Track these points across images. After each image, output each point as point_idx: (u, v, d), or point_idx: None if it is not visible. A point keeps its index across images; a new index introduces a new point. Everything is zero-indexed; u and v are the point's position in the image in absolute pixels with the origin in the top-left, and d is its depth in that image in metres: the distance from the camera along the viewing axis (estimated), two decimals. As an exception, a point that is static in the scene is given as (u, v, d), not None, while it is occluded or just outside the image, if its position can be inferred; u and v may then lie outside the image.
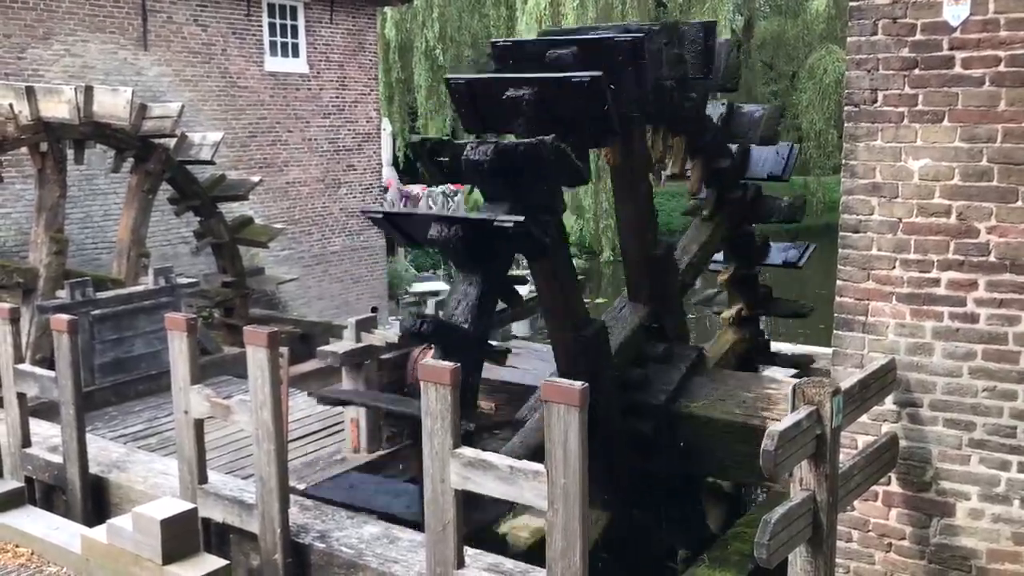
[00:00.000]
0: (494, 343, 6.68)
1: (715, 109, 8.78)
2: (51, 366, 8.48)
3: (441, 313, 6.41)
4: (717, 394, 7.84)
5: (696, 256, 8.72)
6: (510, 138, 6.53)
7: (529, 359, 9.66)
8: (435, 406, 5.24)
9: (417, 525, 6.00)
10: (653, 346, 7.95)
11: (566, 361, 7.12)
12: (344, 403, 7.59)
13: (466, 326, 6.16)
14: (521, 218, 5.80)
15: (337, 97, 18.96)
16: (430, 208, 27.87)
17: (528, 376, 8.81)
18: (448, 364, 5.23)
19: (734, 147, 8.81)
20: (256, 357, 6.26)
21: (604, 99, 6.24)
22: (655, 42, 7.03)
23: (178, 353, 6.74)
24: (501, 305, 6.80)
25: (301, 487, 7.57)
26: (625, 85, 6.69)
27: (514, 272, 6.85)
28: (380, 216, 6.67)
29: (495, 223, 5.87)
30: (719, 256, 9.42)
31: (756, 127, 8.70)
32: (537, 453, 5.96)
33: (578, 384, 4.78)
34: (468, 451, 5.25)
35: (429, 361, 5.40)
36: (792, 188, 22.24)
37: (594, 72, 6.22)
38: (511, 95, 6.32)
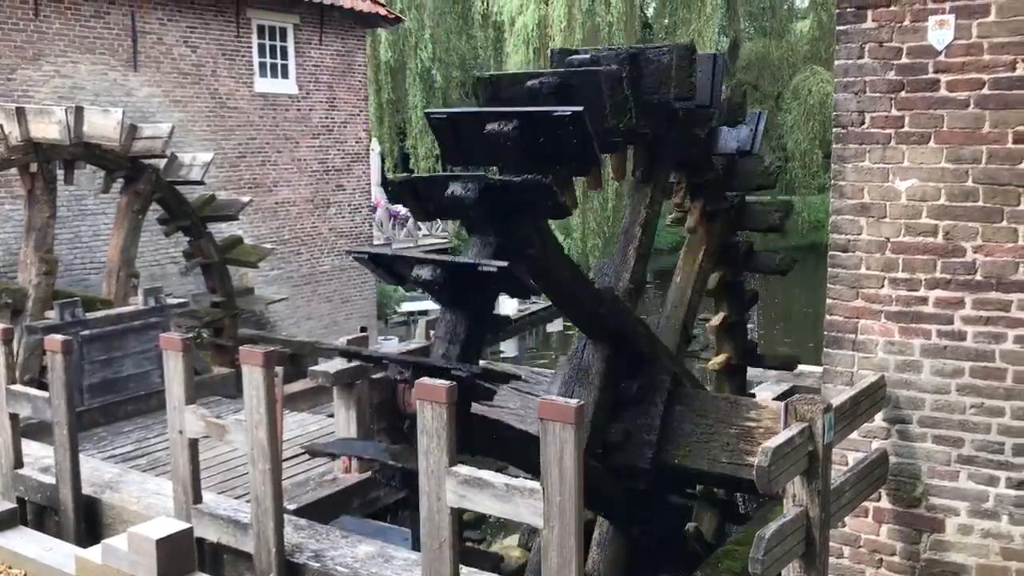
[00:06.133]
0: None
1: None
2: (40, 387, 8.49)
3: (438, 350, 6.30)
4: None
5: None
6: (493, 171, 6.48)
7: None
8: (431, 424, 5.27)
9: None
10: (626, 386, 7.36)
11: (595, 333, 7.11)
12: (335, 456, 7.56)
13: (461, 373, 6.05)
14: (505, 263, 5.71)
15: (326, 118, 19.06)
16: (418, 229, 28.10)
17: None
18: (444, 383, 5.27)
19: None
20: (252, 377, 6.28)
21: (586, 133, 6.21)
22: (663, 61, 6.97)
23: (173, 373, 6.76)
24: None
25: (292, 507, 7.59)
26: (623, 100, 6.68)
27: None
28: (365, 256, 6.64)
29: (480, 267, 5.78)
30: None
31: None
32: None
33: (573, 402, 4.84)
34: (464, 469, 5.27)
35: (425, 380, 5.41)
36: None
37: (575, 108, 6.17)
38: (492, 130, 6.17)
